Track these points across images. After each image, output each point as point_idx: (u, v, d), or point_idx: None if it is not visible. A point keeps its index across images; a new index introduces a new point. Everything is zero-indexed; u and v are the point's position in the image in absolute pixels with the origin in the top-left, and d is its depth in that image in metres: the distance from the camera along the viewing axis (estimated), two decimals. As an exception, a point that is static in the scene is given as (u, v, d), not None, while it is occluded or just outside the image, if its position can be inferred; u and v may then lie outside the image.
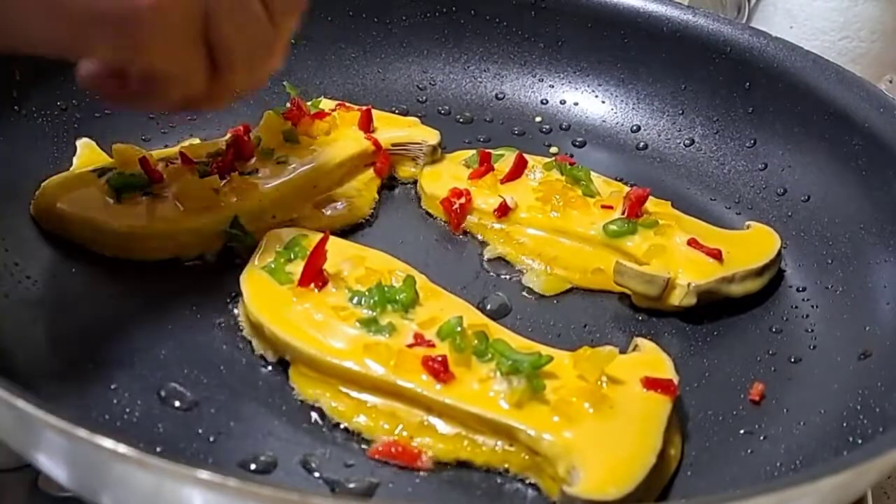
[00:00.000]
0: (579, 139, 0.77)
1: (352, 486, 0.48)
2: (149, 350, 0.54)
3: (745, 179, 0.73)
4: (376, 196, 0.69)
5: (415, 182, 0.71)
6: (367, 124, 0.70)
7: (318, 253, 0.55)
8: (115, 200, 0.61)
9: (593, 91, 0.79)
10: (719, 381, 0.57)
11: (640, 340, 0.56)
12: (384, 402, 0.51)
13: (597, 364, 0.51)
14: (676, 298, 0.60)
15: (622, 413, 0.49)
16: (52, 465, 0.42)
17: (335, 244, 0.57)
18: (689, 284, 0.60)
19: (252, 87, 0.55)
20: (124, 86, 0.51)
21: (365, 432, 0.51)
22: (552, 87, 0.80)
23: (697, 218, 0.66)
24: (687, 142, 0.76)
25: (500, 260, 0.65)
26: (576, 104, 0.79)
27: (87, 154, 0.65)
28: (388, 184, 0.71)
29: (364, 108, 0.71)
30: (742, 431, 0.54)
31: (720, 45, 0.75)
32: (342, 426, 0.51)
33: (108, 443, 0.36)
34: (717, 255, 0.62)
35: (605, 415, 0.49)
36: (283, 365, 0.54)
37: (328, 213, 0.66)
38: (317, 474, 0.48)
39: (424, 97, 0.80)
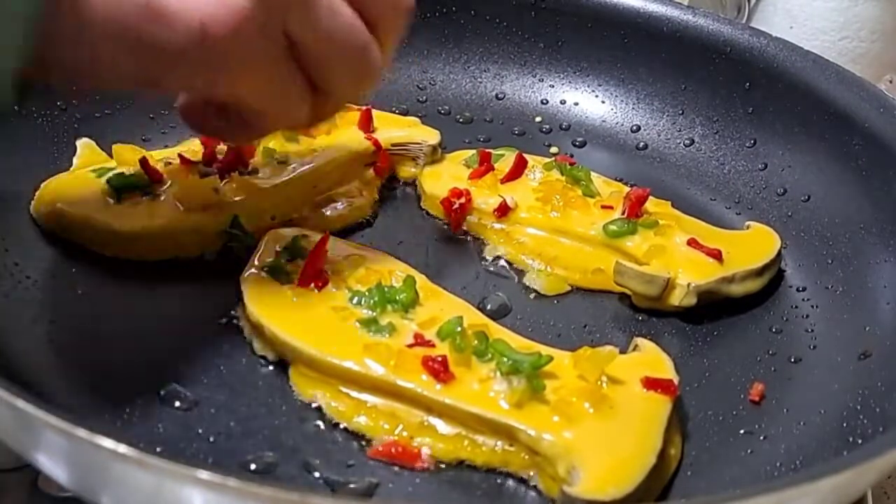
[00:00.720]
0: (579, 139, 0.77)
1: (352, 486, 0.48)
2: (149, 350, 0.54)
3: (745, 179, 0.73)
4: (376, 196, 0.69)
5: (415, 182, 0.71)
6: (367, 124, 0.70)
7: (318, 253, 0.55)
8: (115, 200, 0.61)
9: (593, 91, 0.79)
10: (719, 381, 0.57)
11: (640, 340, 0.56)
12: (384, 402, 0.51)
13: (597, 364, 0.51)
14: (676, 298, 0.60)
15: (622, 413, 0.49)
16: (52, 466, 0.42)
17: (335, 244, 0.57)
18: (689, 284, 0.60)
19: (357, 102, 0.52)
20: (226, 119, 0.50)
21: (365, 432, 0.51)
22: (552, 87, 0.80)
23: (697, 218, 0.66)
24: (687, 142, 0.76)
25: (500, 260, 0.65)
26: (576, 104, 0.79)
27: (87, 154, 0.65)
28: (388, 184, 0.71)
29: (364, 108, 0.71)
30: (742, 431, 0.54)
31: (720, 45, 0.75)
32: (342, 426, 0.51)
33: (108, 443, 0.36)
34: (717, 256, 0.62)
35: (605, 415, 0.49)
36: (283, 365, 0.54)
37: (328, 213, 0.66)
38: (317, 474, 0.48)
39: (424, 97, 0.80)
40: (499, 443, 0.50)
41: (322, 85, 0.49)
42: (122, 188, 0.61)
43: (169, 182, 0.62)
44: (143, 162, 0.62)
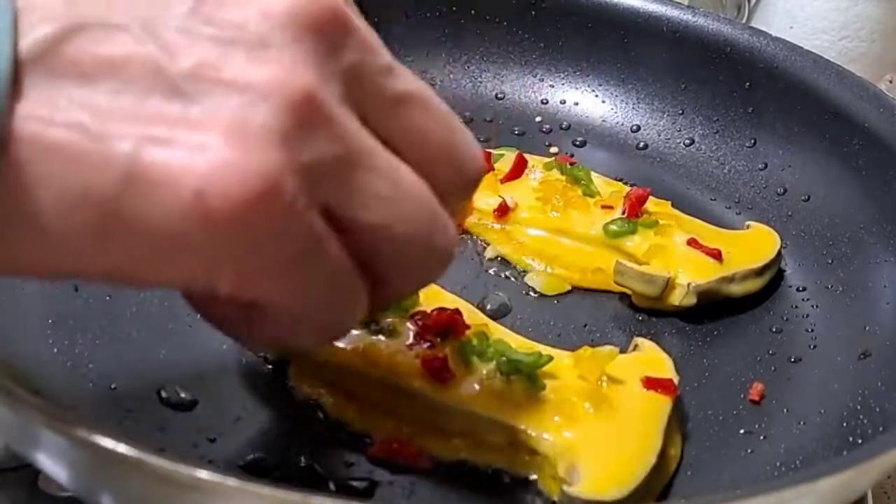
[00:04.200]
0: (579, 139, 0.77)
1: (352, 485, 0.48)
2: (149, 350, 0.54)
3: (745, 179, 0.73)
4: (376, 196, 0.68)
5: (415, 182, 0.70)
6: (367, 124, 0.70)
7: (318, 253, 0.55)
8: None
9: (593, 91, 0.79)
10: (719, 381, 0.57)
11: (640, 340, 0.56)
12: (384, 401, 0.51)
13: (597, 364, 0.51)
14: (676, 298, 0.60)
15: (622, 413, 0.49)
16: (52, 465, 0.42)
17: (335, 244, 0.57)
18: (688, 284, 0.60)
19: (413, 293, 0.38)
20: (254, 312, 0.35)
21: (365, 432, 0.50)
22: (552, 87, 0.80)
23: (697, 218, 0.66)
24: (687, 141, 0.76)
25: (501, 260, 0.65)
26: (576, 104, 0.79)
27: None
28: (388, 184, 0.70)
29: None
30: (742, 431, 0.54)
31: (720, 45, 0.75)
32: (342, 426, 0.51)
33: (108, 443, 0.36)
34: (716, 255, 0.62)
35: (606, 415, 0.49)
36: (283, 365, 0.54)
37: (328, 213, 0.66)
38: (317, 473, 0.48)
39: (424, 97, 0.80)
40: (499, 442, 0.49)
41: (378, 276, 0.35)
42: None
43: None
44: None
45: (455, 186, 0.37)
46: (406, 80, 0.35)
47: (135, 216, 0.29)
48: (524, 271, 0.64)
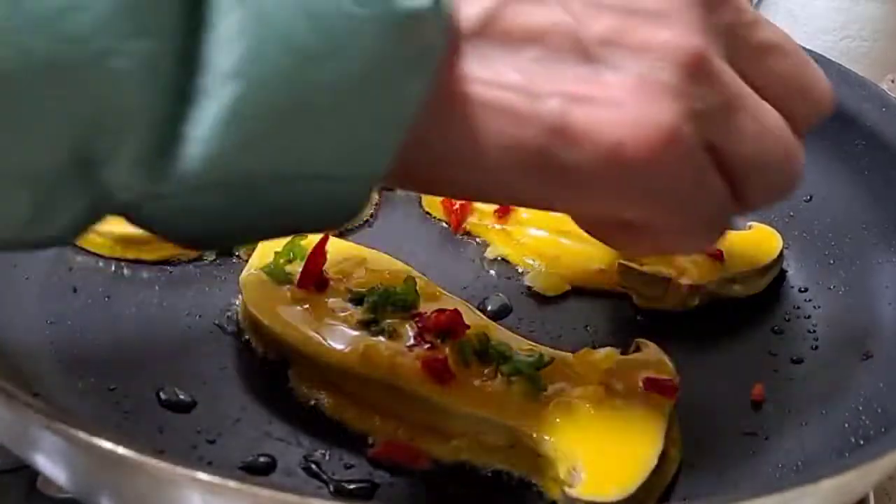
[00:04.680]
0: (580, 139, 0.77)
1: (352, 486, 0.48)
2: (149, 350, 0.54)
3: (747, 179, 0.72)
4: (376, 196, 0.68)
5: (415, 182, 0.70)
6: (367, 124, 0.70)
7: (318, 253, 0.55)
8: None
9: (594, 91, 0.79)
10: (720, 382, 0.57)
11: (640, 341, 0.56)
12: (384, 402, 0.51)
13: (597, 365, 0.51)
14: (677, 299, 0.60)
15: (623, 414, 0.49)
16: (51, 467, 0.42)
17: (335, 245, 0.57)
18: (690, 285, 0.60)
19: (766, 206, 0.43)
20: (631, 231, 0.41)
21: (365, 432, 0.50)
22: (553, 86, 0.80)
23: (699, 218, 0.66)
24: (688, 142, 0.76)
25: (501, 260, 0.65)
26: (577, 104, 0.79)
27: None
28: (389, 184, 0.70)
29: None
30: (743, 432, 0.54)
31: (721, 45, 0.74)
32: (342, 426, 0.51)
33: (107, 444, 0.36)
34: (718, 256, 0.62)
35: (606, 415, 0.49)
36: (283, 365, 0.54)
37: (328, 213, 0.66)
38: (316, 475, 0.48)
39: (425, 97, 0.80)
40: (499, 444, 0.49)
41: (741, 194, 0.41)
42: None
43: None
44: None
45: (807, 118, 0.42)
46: (767, 31, 0.40)
47: (559, 161, 0.35)
48: (525, 272, 0.64)
